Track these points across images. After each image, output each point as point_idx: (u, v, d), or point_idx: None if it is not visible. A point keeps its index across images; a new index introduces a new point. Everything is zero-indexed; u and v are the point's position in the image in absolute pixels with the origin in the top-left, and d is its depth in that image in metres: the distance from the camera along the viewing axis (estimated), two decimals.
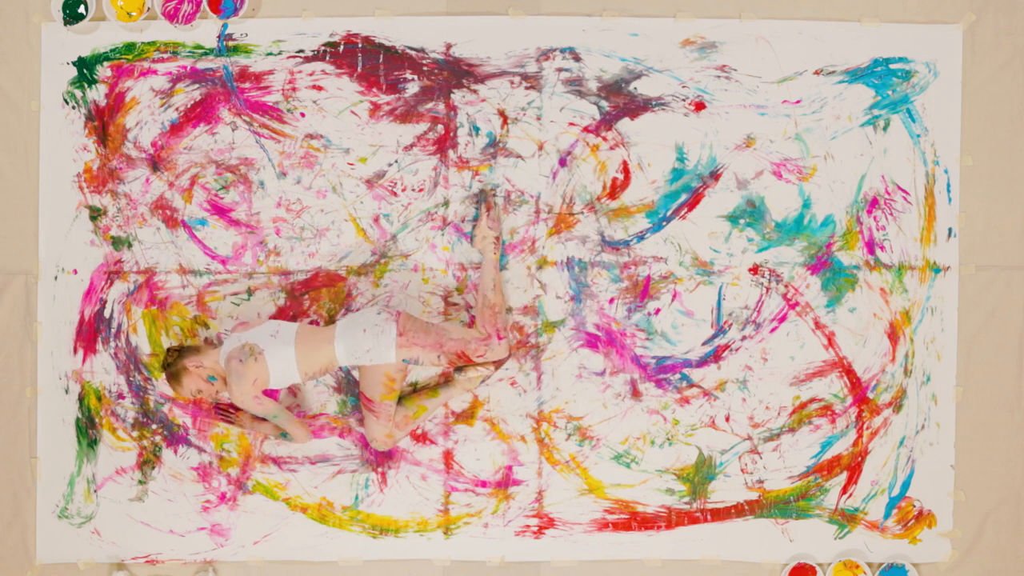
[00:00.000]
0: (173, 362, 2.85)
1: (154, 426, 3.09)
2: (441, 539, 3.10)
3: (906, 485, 3.11)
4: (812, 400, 3.10)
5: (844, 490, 3.11)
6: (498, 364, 3.01)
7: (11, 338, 3.08)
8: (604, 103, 3.08)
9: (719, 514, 3.11)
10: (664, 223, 3.09)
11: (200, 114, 3.08)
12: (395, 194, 3.09)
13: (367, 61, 3.08)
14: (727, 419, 3.10)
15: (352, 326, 2.83)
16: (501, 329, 2.90)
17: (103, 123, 3.08)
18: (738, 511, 3.11)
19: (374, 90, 3.08)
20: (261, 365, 2.78)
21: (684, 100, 3.08)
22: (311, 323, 3.06)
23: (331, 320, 3.06)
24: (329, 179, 3.08)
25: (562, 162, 3.08)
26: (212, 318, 3.08)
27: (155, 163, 3.08)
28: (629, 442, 3.10)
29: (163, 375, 2.99)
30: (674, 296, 3.09)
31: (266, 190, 3.08)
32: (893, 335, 3.10)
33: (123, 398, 3.09)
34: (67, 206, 3.08)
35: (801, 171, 3.09)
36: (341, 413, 3.09)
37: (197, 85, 3.08)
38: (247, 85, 3.08)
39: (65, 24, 3.02)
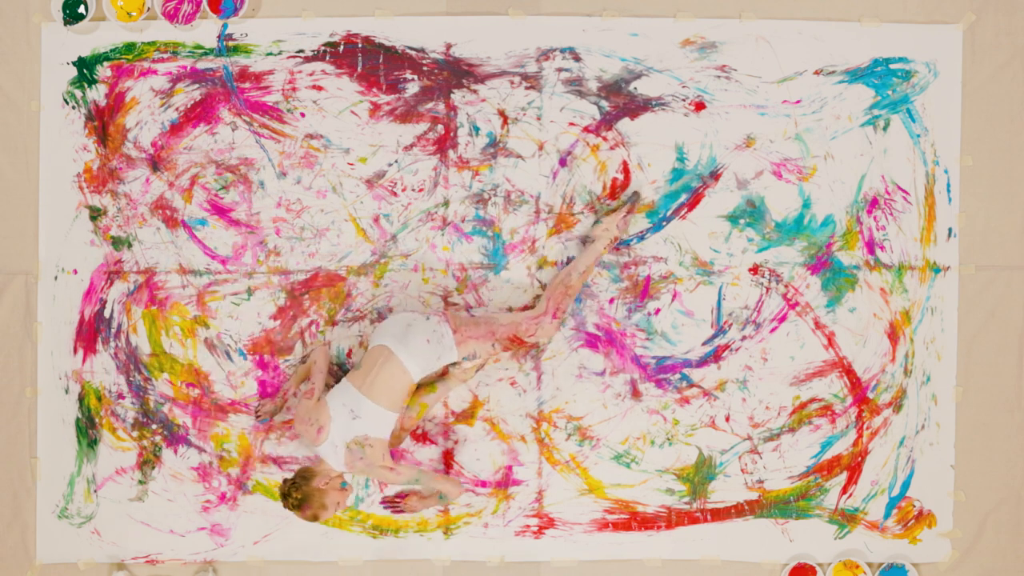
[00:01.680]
0: (303, 491, 2.71)
1: (154, 426, 3.09)
2: (441, 539, 3.10)
3: (906, 485, 3.11)
4: (812, 400, 3.10)
5: (844, 490, 3.11)
6: (521, 347, 2.94)
7: (11, 338, 3.08)
8: (604, 103, 3.08)
9: (719, 514, 3.11)
10: (664, 223, 3.09)
11: (200, 114, 3.08)
12: (395, 194, 3.09)
13: (367, 61, 3.08)
14: (727, 419, 3.10)
15: (410, 341, 2.78)
16: (562, 311, 2.91)
17: (103, 123, 3.08)
18: (738, 511, 3.11)
19: (374, 90, 3.08)
20: (376, 444, 2.75)
21: (684, 100, 3.08)
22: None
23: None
24: (329, 179, 3.08)
25: (562, 162, 3.08)
26: (212, 318, 3.08)
27: (155, 163, 3.08)
28: (629, 442, 3.10)
29: (300, 514, 2.74)
30: (674, 296, 3.09)
31: (266, 190, 3.08)
32: (893, 335, 3.10)
33: (123, 398, 3.09)
34: (67, 206, 3.08)
35: (801, 171, 3.09)
36: None
37: (197, 85, 3.08)
38: (247, 85, 3.08)
39: (65, 24, 3.02)
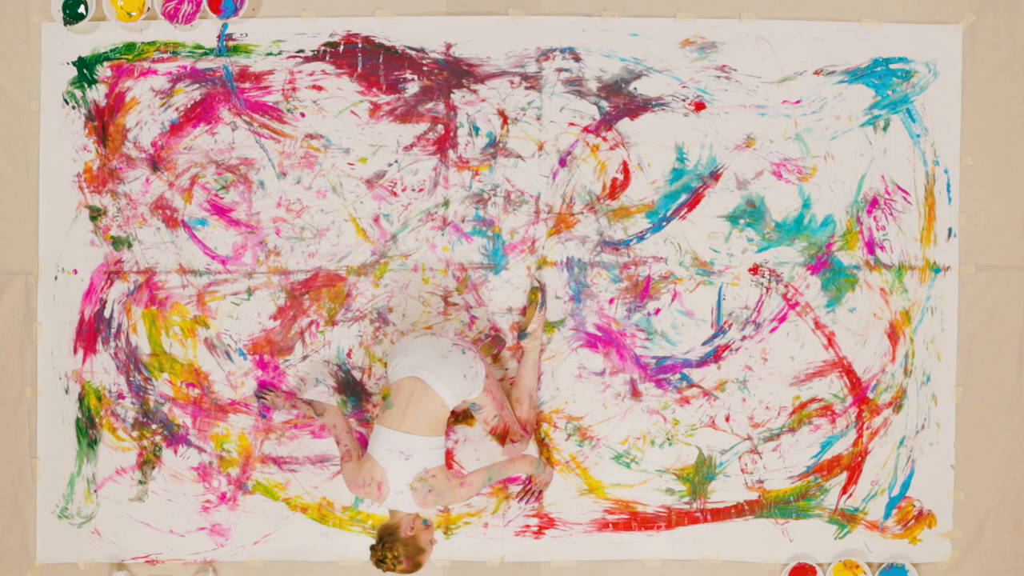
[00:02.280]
0: (397, 549, 2.63)
1: (154, 426, 3.09)
2: (441, 539, 3.10)
3: (906, 485, 3.11)
4: (812, 400, 3.10)
5: (844, 490, 3.11)
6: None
7: (11, 338, 3.08)
8: (604, 103, 3.08)
9: (719, 514, 3.11)
10: (664, 223, 3.09)
11: (200, 114, 3.08)
12: (395, 194, 3.09)
13: (367, 61, 3.08)
14: (727, 419, 3.10)
15: (445, 373, 2.70)
16: (532, 425, 2.99)
17: (103, 123, 3.08)
18: (738, 511, 3.11)
19: (374, 90, 3.08)
20: (438, 472, 2.69)
21: (684, 100, 3.08)
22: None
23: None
24: (329, 179, 3.08)
25: (562, 162, 3.08)
26: (212, 318, 3.08)
27: (155, 163, 3.08)
28: (629, 442, 3.10)
29: (405, 571, 2.66)
30: (674, 296, 3.09)
31: (266, 190, 3.08)
32: (893, 335, 3.10)
33: (123, 398, 3.09)
34: (67, 206, 3.08)
35: (801, 171, 3.09)
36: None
37: (197, 85, 3.08)
38: (247, 85, 3.08)
39: (65, 24, 3.02)
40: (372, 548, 2.66)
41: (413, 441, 2.67)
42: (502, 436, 2.92)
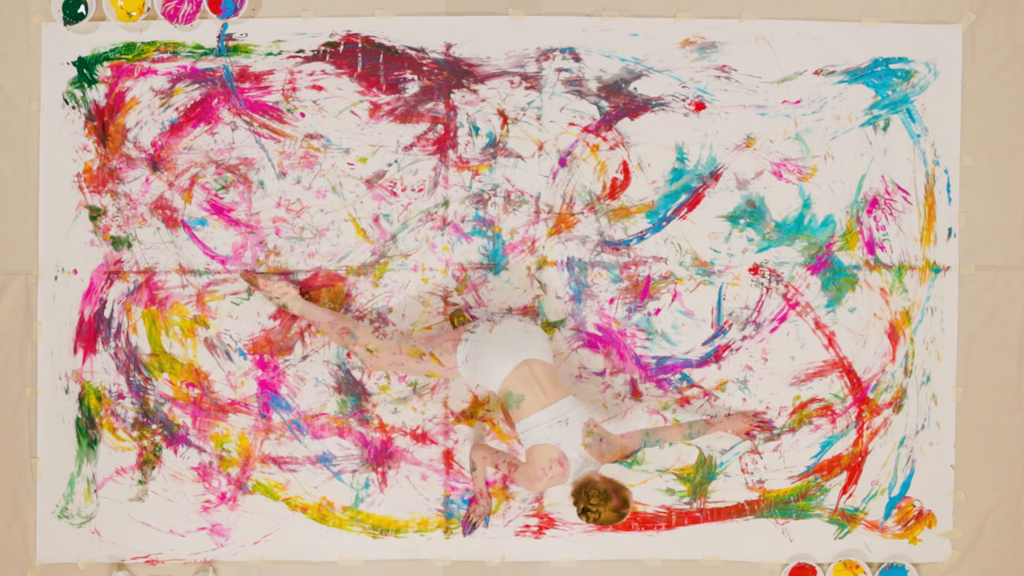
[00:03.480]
0: (610, 498, 2.65)
1: (154, 426, 3.09)
2: (441, 539, 3.10)
3: (906, 485, 3.11)
4: (812, 400, 3.10)
5: (844, 490, 3.11)
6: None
7: (11, 338, 3.08)
8: (604, 103, 3.08)
9: (719, 514, 3.11)
10: (664, 223, 3.09)
11: (200, 114, 3.08)
12: (395, 194, 3.09)
13: (367, 61, 3.08)
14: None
15: (535, 341, 2.79)
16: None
17: (103, 123, 3.08)
18: (738, 511, 3.11)
19: (374, 90, 3.08)
20: (596, 422, 2.78)
21: (684, 100, 3.08)
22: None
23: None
24: (329, 179, 3.08)
25: (562, 162, 3.08)
26: (212, 318, 3.08)
27: (155, 163, 3.08)
28: None
29: (628, 511, 2.69)
30: (674, 296, 3.09)
31: (266, 190, 3.08)
32: (893, 335, 3.10)
33: (123, 398, 3.09)
34: (67, 206, 3.08)
35: (801, 171, 3.09)
36: (341, 413, 3.09)
37: (197, 85, 3.08)
38: (247, 85, 3.08)
39: (65, 24, 3.02)
40: (586, 512, 2.67)
41: (560, 406, 2.72)
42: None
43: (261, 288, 3.00)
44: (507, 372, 2.73)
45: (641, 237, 3.09)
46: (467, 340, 2.79)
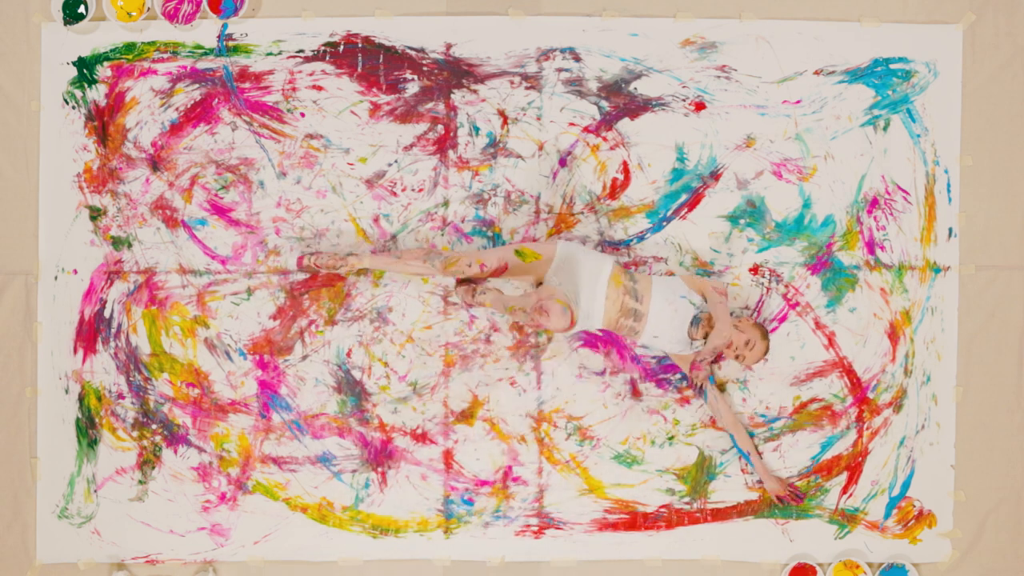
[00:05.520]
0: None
1: (154, 426, 3.09)
2: (441, 539, 3.10)
3: (906, 485, 3.11)
4: (812, 400, 3.10)
5: (844, 490, 3.11)
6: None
7: (11, 338, 3.08)
8: (604, 103, 3.08)
9: (719, 514, 3.11)
10: (664, 223, 3.09)
11: (200, 114, 3.08)
12: (395, 194, 3.09)
13: (367, 61, 3.08)
14: None
15: (586, 256, 2.88)
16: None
17: (103, 123, 3.08)
18: (738, 511, 3.11)
19: (374, 90, 3.08)
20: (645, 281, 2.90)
21: (684, 100, 3.08)
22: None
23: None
24: (329, 179, 3.08)
25: (562, 162, 3.08)
26: (212, 318, 3.08)
27: (155, 163, 3.08)
28: (629, 442, 3.10)
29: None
30: None
31: (266, 190, 3.08)
32: (893, 335, 3.10)
33: (123, 398, 3.09)
34: (67, 206, 3.08)
35: (801, 171, 3.09)
36: (341, 413, 3.09)
37: (197, 85, 3.08)
38: (247, 85, 3.08)
39: (65, 24, 3.02)
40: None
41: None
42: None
43: (329, 266, 2.94)
44: (585, 271, 2.84)
45: (641, 237, 3.09)
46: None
